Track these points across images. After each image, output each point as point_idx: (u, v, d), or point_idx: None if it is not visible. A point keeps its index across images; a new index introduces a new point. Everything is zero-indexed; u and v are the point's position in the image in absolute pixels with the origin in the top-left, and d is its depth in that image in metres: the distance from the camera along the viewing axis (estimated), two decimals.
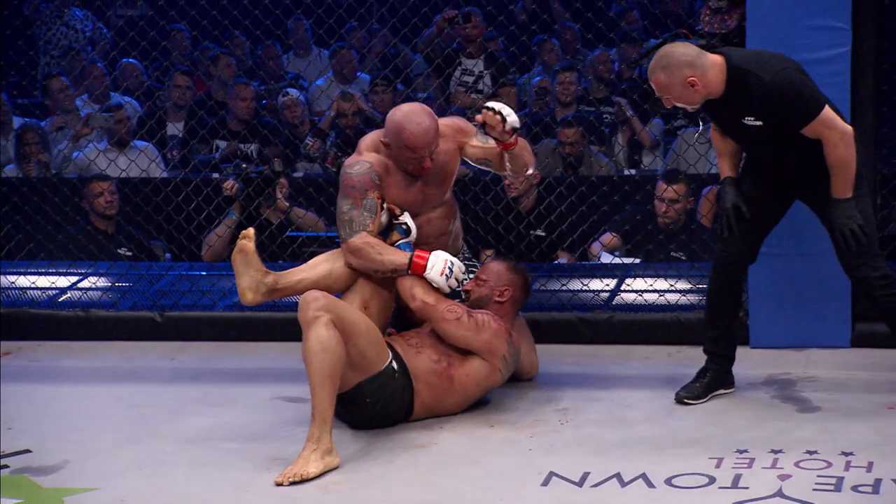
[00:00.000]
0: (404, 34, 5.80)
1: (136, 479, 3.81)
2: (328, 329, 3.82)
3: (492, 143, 4.25)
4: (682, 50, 3.98)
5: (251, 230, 4.09)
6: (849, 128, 4.00)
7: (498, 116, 4.11)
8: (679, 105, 4.02)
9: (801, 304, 4.68)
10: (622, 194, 5.86)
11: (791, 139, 4.02)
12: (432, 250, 4.22)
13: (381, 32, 7.73)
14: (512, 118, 4.13)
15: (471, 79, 7.20)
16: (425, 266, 4.11)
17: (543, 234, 5.78)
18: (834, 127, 3.97)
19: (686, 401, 4.29)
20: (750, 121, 4.00)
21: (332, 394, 3.80)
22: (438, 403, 4.13)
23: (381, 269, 4.13)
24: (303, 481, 3.69)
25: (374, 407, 4.01)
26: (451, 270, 4.11)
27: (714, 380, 4.34)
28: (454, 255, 4.35)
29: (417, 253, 4.13)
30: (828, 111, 3.98)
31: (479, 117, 4.15)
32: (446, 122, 4.25)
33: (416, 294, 4.11)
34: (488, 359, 4.16)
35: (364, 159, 4.17)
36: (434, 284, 4.11)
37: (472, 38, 7.08)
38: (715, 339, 4.35)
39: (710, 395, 4.32)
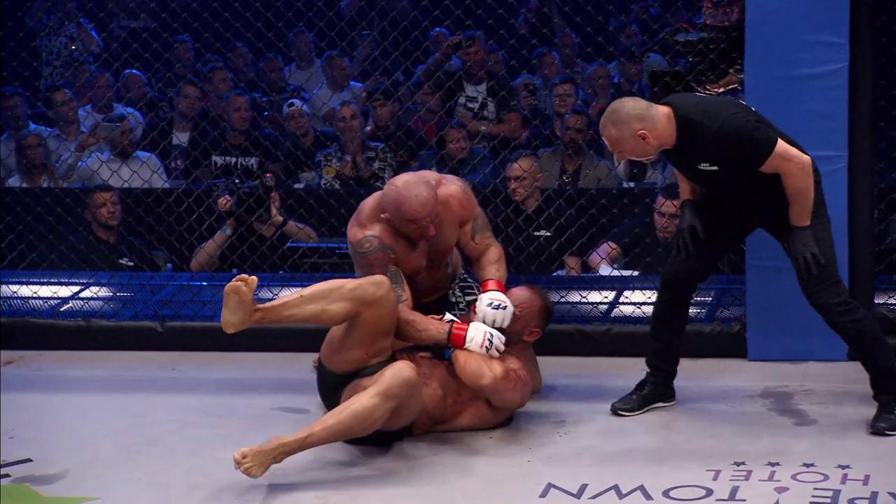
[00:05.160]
0: (405, 47, 5.83)
1: (136, 488, 3.83)
2: (386, 409, 3.82)
3: (478, 245, 4.28)
4: (632, 104, 4.02)
5: (254, 280, 3.92)
6: (806, 158, 4.04)
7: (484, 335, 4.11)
8: (633, 158, 4.08)
9: (799, 317, 4.69)
10: (621, 207, 5.89)
11: (749, 178, 4.07)
12: (439, 290, 4.30)
13: (370, 36, 7.77)
14: (496, 334, 4.12)
15: (475, 105, 7.22)
16: (464, 338, 4.09)
17: (549, 233, 5.80)
18: (791, 159, 4.01)
19: (621, 412, 4.33)
20: (705, 166, 4.06)
21: (330, 442, 3.85)
22: (437, 426, 4.15)
23: (421, 344, 4.14)
24: (245, 474, 3.71)
25: (373, 438, 4.01)
26: (490, 342, 4.10)
27: (652, 393, 4.37)
28: (451, 284, 4.40)
29: (456, 325, 4.11)
30: (782, 145, 4.02)
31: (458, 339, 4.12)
32: (453, 194, 4.23)
33: (484, 373, 4.04)
34: (504, 410, 4.19)
35: (371, 234, 4.14)
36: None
37: (476, 62, 7.09)
38: (657, 352, 4.38)
39: (646, 408, 4.35)
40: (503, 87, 7.13)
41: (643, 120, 3.99)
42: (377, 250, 4.14)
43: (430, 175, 4.24)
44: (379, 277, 4.01)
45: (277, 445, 3.75)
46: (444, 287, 4.43)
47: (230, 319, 3.93)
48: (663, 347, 4.37)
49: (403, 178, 4.14)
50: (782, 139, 4.04)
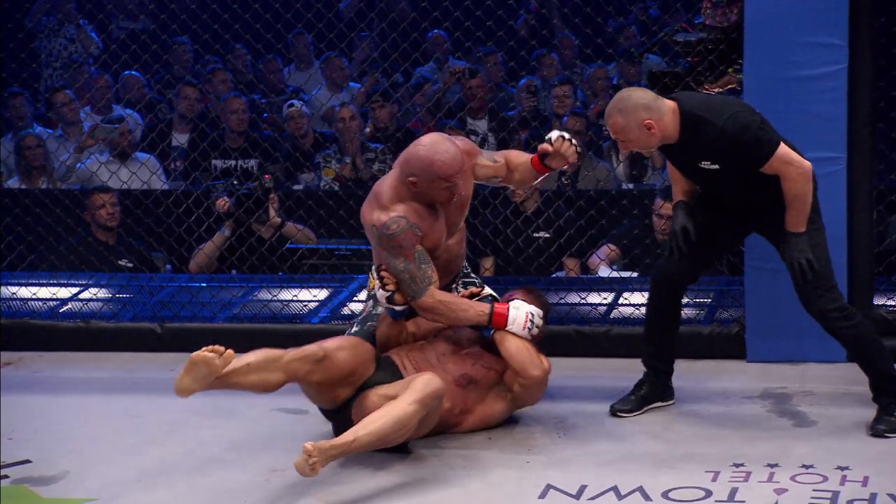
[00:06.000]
0: (404, 48, 5.84)
1: (135, 489, 3.83)
2: (420, 418, 3.81)
3: (500, 161, 4.28)
4: (639, 94, 4.04)
5: (231, 354, 3.78)
6: (807, 163, 4.04)
7: (570, 143, 4.14)
8: (635, 150, 4.08)
9: (797, 319, 4.67)
10: (620, 208, 5.90)
11: (749, 178, 4.07)
12: (449, 274, 4.24)
13: (369, 37, 7.76)
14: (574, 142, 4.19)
15: (476, 139, 7.18)
16: (506, 320, 4.08)
17: (548, 235, 5.81)
18: (791, 162, 4.02)
19: (619, 413, 4.33)
20: (706, 164, 4.07)
21: (371, 448, 3.81)
22: (438, 430, 4.13)
23: (459, 325, 4.11)
24: (309, 468, 3.63)
25: None
26: (532, 322, 4.09)
27: (650, 393, 4.38)
28: (458, 272, 4.36)
29: (497, 306, 4.09)
30: (783, 147, 4.02)
31: (548, 146, 4.16)
32: (461, 148, 4.17)
33: (537, 365, 4.08)
34: (510, 410, 4.20)
35: (397, 215, 4.07)
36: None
37: (476, 95, 7.03)
38: (652, 354, 4.39)
39: (644, 408, 4.36)
40: (505, 123, 7.06)
41: (650, 110, 4.00)
42: (406, 230, 4.06)
43: None
44: (305, 353, 3.90)
45: (329, 447, 3.68)
46: (457, 267, 4.34)
47: (189, 386, 3.77)
48: (658, 348, 4.38)
49: (428, 139, 4.08)
50: (784, 143, 4.05)
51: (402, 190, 4.09)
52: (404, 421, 3.77)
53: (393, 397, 3.86)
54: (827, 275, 4.12)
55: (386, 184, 4.14)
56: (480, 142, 6.95)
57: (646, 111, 3.99)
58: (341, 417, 4.00)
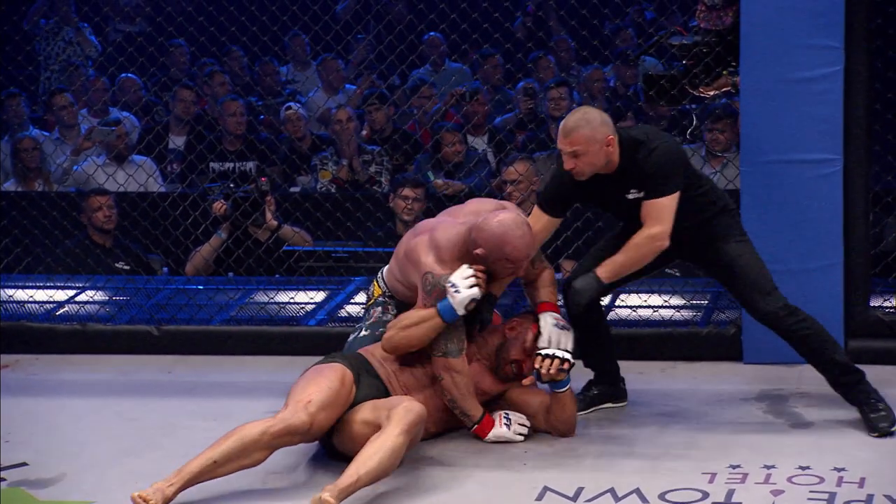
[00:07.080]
0: (400, 50, 5.84)
1: (132, 492, 3.82)
2: (406, 446, 3.81)
3: (538, 267, 4.22)
4: (597, 112, 4.09)
5: None
6: (665, 242, 4.04)
7: (554, 362, 4.08)
8: (577, 167, 4.04)
9: None
10: None
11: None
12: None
13: (365, 39, 7.77)
14: (566, 354, 4.09)
15: (475, 156, 7.17)
16: (485, 436, 4.12)
17: None
18: (660, 220, 4.03)
19: None
20: (633, 194, 4.09)
21: (372, 483, 3.77)
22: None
23: (453, 405, 4.10)
24: None
25: None
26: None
27: (602, 393, 4.41)
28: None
29: (485, 421, 4.11)
30: (671, 203, 4.02)
31: (536, 364, 4.10)
32: None
33: (575, 429, 4.20)
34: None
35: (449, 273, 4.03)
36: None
37: (477, 114, 7.01)
38: (587, 353, 4.40)
39: (593, 408, 4.38)
40: (505, 141, 7.03)
41: (611, 128, 4.06)
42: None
43: (490, 203, 4.16)
44: (289, 427, 3.82)
45: (338, 492, 3.64)
46: None
47: None
48: (592, 349, 4.39)
49: (505, 215, 4.00)
50: (675, 203, 4.02)
51: (464, 251, 4.04)
52: (397, 452, 3.78)
53: (373, 424, 3.85)
54: (764, 279, 4.15)
55: (450, 237, 4.07)
56: (479, 160, 6.94)
57: (608, 128, 4.05)
58: (324, 438, 4.01)
